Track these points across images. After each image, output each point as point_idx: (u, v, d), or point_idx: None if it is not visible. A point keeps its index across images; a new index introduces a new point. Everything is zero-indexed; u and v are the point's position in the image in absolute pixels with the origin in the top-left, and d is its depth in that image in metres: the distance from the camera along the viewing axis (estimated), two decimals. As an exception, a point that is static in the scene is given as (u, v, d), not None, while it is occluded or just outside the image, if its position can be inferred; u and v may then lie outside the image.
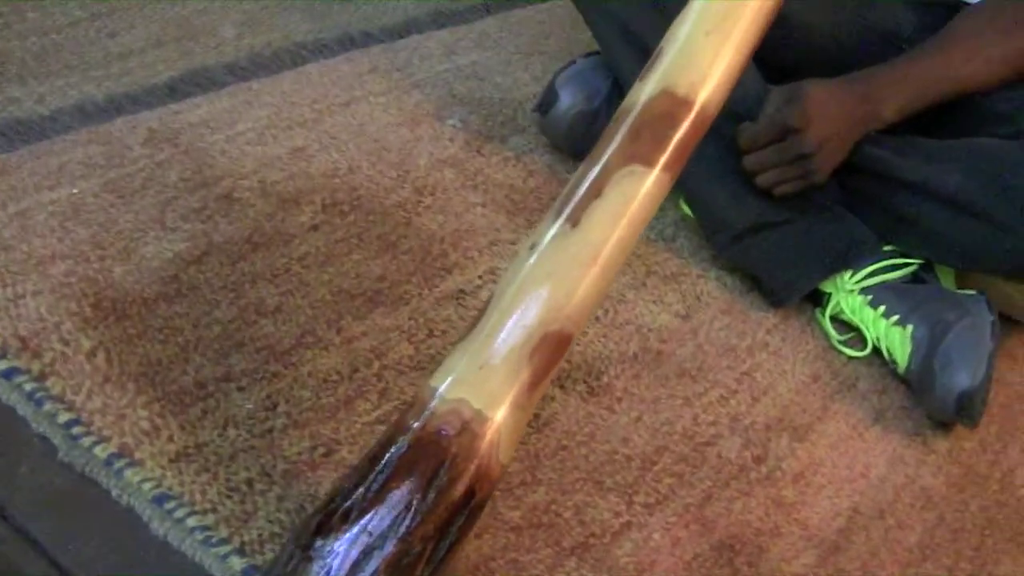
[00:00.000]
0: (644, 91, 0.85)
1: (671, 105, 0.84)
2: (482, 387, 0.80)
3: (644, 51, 1.30)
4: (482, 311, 0.83)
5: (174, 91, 1.47)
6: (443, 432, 0.78)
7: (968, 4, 1.36)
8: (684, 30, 0.87)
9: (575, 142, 1.49)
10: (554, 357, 0.82)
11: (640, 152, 0.82)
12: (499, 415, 0.79)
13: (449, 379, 0.81)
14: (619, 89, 1.46)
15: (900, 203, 1.35)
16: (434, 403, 0.80)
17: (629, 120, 0.84)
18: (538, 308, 0.80)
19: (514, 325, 0.80)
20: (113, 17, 1.63)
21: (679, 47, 0.86)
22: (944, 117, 1.35)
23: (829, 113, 1.26)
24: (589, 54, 1.51)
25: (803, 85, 1.26)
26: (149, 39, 1.59)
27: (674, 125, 0.84)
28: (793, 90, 1.26)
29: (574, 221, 0.82)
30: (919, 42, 1.34)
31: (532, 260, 0.82)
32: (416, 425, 0.78)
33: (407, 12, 1.82)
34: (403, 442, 0.78)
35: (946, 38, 1.31)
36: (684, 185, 1.38)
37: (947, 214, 1.31)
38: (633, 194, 0.83)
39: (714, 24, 0.87)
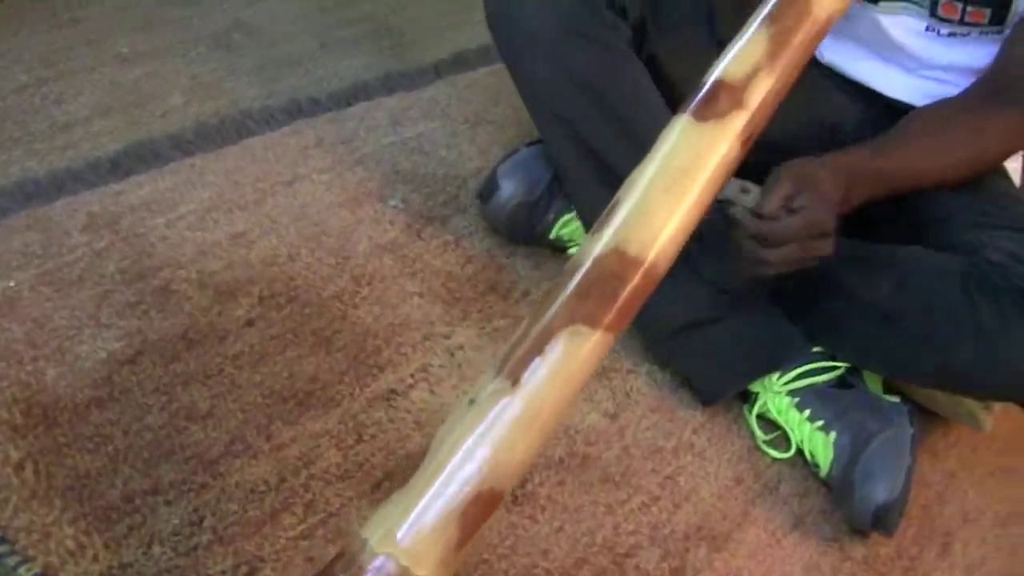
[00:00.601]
0: (596, 246, 0.85)
1: (621, 265, 0.84)
2: (411, 544, 0.81)
3: (590, 152, 1.34)
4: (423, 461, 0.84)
5: (117, 167, 1.48)
6: (367, 586, 0.79)
7: (913, 106, 1.38)
8: (642, 183, 0.87)
9: (515, 231, 1.51)
10: (484, 514, 0.83)
11: (586, 312, 0.83)
12: (424, 574, 0.81)
13: (380, 532, 0.82)
14: (559, 181, 1.48)
15: (831, 308, 1.37)
16: (362, 556, 0.81)
17: (578, 277, 0.84)
18: (473, 467, 0.81)
19: (448, 482, 0.81)
20: (60, 82, 1.63)
21: (635, 203, 0.86)
22: (885, 215, 1.38)
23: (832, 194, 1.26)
24: (532, 143, 1.52)
25: (807, 168, 1.25)
26: (96, 107, 1.60)
27: (622, 285, 0.84)
28: (801, 173, 1.24)
29: (515, 379, 0.82)
30: (860, 134, 1.37)
31: (470, 416, 0.82)
32: (342, 577, 0.80)
33: (357, 76, 1.83)
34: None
35: (909, 135, 1.32)
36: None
37: (875, 324, 1.33)
38: (576, 355, 0.83)
39: (673, 180, 0.87)
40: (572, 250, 1.51)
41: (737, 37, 0.94)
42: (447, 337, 1.38)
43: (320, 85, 1.78)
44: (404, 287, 1.43)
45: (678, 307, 1.39)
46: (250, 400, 1.22)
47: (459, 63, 1.96)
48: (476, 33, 1.44)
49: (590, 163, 1.37)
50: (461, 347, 1.38)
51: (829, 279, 1.36)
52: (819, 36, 0.95)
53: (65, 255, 1.32)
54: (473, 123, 1.78)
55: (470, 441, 0.81)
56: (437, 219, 1.56)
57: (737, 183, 1.54)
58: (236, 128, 1.62)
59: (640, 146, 1.35)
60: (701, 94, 0.91)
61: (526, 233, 1.52)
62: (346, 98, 1.76)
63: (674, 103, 1.38)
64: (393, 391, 1.29)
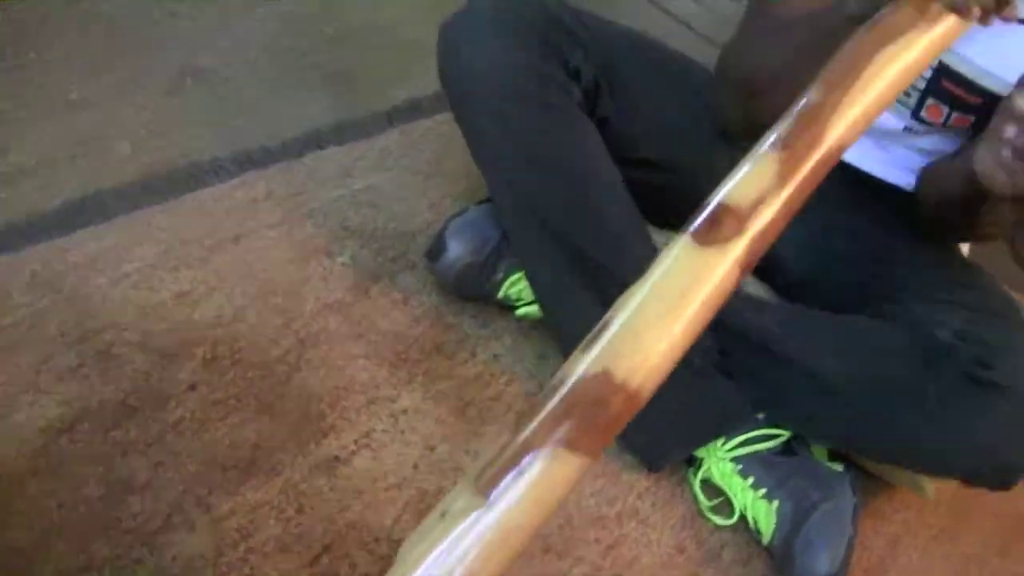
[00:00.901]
0: (583, 364, 0.82)
1: (607, 389, 0.81)
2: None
3: (536, 214, 1.33)
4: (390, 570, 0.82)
5: (63, 222, 1.47)
6: None
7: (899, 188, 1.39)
8: (635, 303, 0.84)
9: (464, 291, 1.51)
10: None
11: (566, 435, 0.80)
12: None
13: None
14: (507, 241, 1.47)
15: (775, 377, 1.38)
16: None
17: (562, 394, 0.81)
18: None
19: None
20: (4, 130, 1.61)
21: (626, 325, 0.83)
22: (836, 281, 1.39)
23: None
24: (481, 201, 1.52)
25: None
26: (42, 157, 1.58)
27: (605, 411, 0.81)
28: None
29: (488, 495, 0.80)
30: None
31: (439, 529, 0.80)
32: None
33: (309, 124, 1.82)
34: None
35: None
36: (570, 342, 1.40)
37: (818, 395, 1.34)
38: (551, 477, 0.80)
39: (667, 305, 0.84)
40: (521, 309, 1.51)
41: (746, 158, 0.91)
42: (392, 400, 1.38)
43: (272, 134, 1.76)
44: (350, 348, 1.43)
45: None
46: (190, 469, 1.21)
47: (413, 109, 1.96)
48: (432, 79, 1.43)
49: (537, 225, 1.37)
50: (405, 411, 1.37)
51: (774, 347, 1.37)
52: (829, 166, 0.92)
53: (7, 316, 1.31)
54: (425, 175, 1.78)
55: (437, 553, 0.79)
56: (385, 276, 1.55)
57: None
58: (185, 180, 1.61)
59: (587, 210, 1.37)
60: (704, 216, 0.87)
61: (475, 292, 1.52)
62: (298, 147, 1.75)
63: (624, 165, 1.39)
64: (336, 458, 1.29)
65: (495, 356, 1.49)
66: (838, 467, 1.41)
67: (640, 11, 2.78)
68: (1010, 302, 1.39)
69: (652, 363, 0.82)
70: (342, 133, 1.83)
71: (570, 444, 0.80)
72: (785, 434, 1.41)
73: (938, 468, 1.35)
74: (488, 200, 1.53)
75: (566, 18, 1.40)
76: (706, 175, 1.50)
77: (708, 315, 0.86)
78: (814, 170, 0.91)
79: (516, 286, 1.50)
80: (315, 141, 1.79)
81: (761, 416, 1.41)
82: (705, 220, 0.87)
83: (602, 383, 0.81)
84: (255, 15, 2.08)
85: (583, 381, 0.81)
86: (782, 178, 0.89)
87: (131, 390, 1.27)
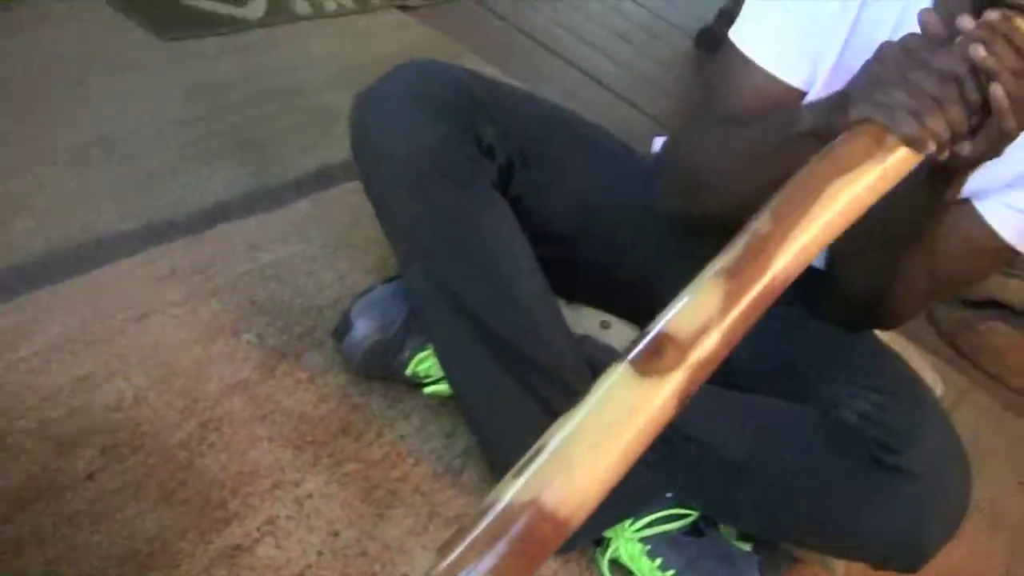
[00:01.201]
0: (512, 490, 0.80)
1: (536, 518, 0.79)
2: None
3: (447, 291, 1.33)
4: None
5: (-41, 304, 1.43)
6: None
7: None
8: (569, 430, 0.82)
9: (370, 370, 1.50)
10: None
11: (492, 565, 0.77)
12: None
13: None
14: (415, 318, 1.47)
15: (684, 456, 1.38)
16: None
17: (489, 521, 0.79)
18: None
19: None
20: (-99, 207, 1.58)
21: (559, 453, 0.81)
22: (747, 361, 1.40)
23: None
24: (388, 279, 1.52)
25: None
26: (-62, 235, 1.55)
27: (533, 540, 0.79)
28: None
29: None
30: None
31: None
32: None
33: (217, 195, 1.81)
34: None
35: None
36: (478, 421, 1.41)
37: (726, 476, 1.36)
38: None
39: (602, 435, 0.82)
40: (429, 387, 1.50)
41: (691, 285, 0.90)
42: (296, 485, 1.37)
43: (178, 206, 1.75)
44: (254, 431, 1.41)
45: (518, 441, 1.38)
46: (87, 564, 1.19)
47: (323, 177, 1.96)
48: (344, 145, 1.43)
49: (447, 302, 1.37)
50: (310, 496, 1.36)
51: (684, 427, 1.38)
52: (774, 296, 0.91)
53: None
54: (334, 246, 1.77)
55: None
56: (292, 354, 1.54)
57: (597, 316, 1.56)
58: (89, 256, 1.59)
59: (499, 290, 1.37)
60: (644, 344, 0.86)
61: (382, 371, 1.52)
62: (204, 220, 1.74)
63: (538, 242, 1.40)
64: (238, 547, 1.27)
65: (402, 436, 1.49)
66: (746, 547, 1.42)
67: (556, 71, 2.81)
68: (920, 384, 1.41)
69: (583, 494, 0.81)
70: (251, 204, 1.82)
71: (496, 574, 0.78)
72: (693, 514, 1.42)
73: (846, 552, 1.37)
74: (395, 277, 1.53)
75: (481, 93, 1.41)
76: (619, 251, 1.53)
77: (644, 446, 0.84)
78: (758, 301, 0.90)
79: (424, 364, 1.50)
80: (223, 213, 1.78)
81: (670, 495, 1.42)
82: (645, 349, 0.86)
83: (531, 512, 0.79)
84: (164, 82, 2.06)
85: (511, 509, 0.79)
86: (725, 308, 0.88)
87: (26, 481, 1.24)
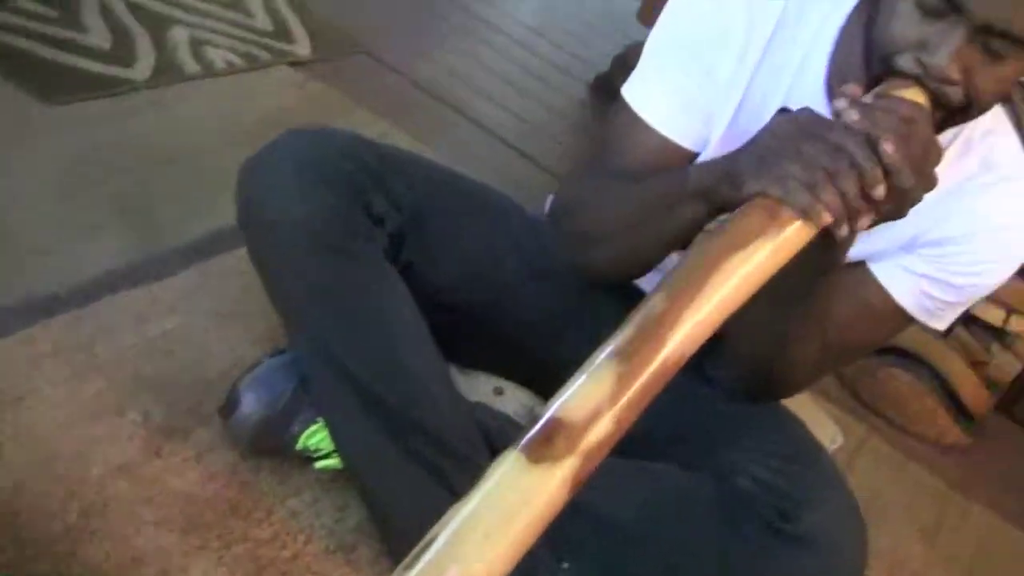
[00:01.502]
0: None
1: None
2: None
3: (337, 365, 1.31)
4: None
5: None
6: None
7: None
8: (460, 520, 0.81)
9: (259, 446, 1.48)
10: None
11: None
12: None
13: None
14: (304, 391, 1.45)
15: (578, 526, 1.36)
16: None
17: None
18: None
19: None
20: None
21: (449, 545, 0.80)
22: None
23: None
24: (275, 353, 1.50)
25: None
26: None
27: None
28: None
29: None
30: None
31: None
32: None
33: (100, 266, 1.76)
34: None
35: None
36: (371, 494, 1.39)
37: (619, 546, 1.35)
38: None
39: (494, 526, 0.81)
40: (320, 463, 1.48)
41: (584, 365, 0.89)
42: (183, 570, 1.34)
43: (60, 279, 1.70)
44: (140, 515, 1.38)
45: (412, 512, 1.36)
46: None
47: (212, 243, 1.92)
48: (231, 210, 1.41)
49: (337, 373, 1.36)
50: (198, 581, 1.33)
51: (578, 496, 1.36)
52: (668, 377, 0.90)
53: None
54: (223, 316, 1.74)
55: None
56: (179, 432, 1.51)
57: (491, 382, 1.55)
58: (-37, 337, 1.54)
59: (390, 361, 1.36)
60: (536, 430, 0.85)
61: (271, 447, 1.49)
62: (89, 293, 1.70)
63: (430, 310, 1.39)
64: (121, 642, 1.23)
65: (293, 513, 1.46)
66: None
67: (450, 124, 2.81)
68: (817, 448, 1.42)
69: None
70: (137, 274, 1.78)
71: None
72: (582, 582, 1.41)
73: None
74: (282, 352, 1.50)
75: (372, 161, 1.39)
76: (511, 315, 1.52)
77: (538, 533, 0.84)
78: (651, 383, 0.89)
79: (314, 437, 1.48)
80: (108, 285, 1.74)
81: (566, 566, 1.41)
82: (536, 436, 0.85)
83: None
84: (49, 148, 2.01)
85: None
86: (618, 392, 0.87)
87: None
